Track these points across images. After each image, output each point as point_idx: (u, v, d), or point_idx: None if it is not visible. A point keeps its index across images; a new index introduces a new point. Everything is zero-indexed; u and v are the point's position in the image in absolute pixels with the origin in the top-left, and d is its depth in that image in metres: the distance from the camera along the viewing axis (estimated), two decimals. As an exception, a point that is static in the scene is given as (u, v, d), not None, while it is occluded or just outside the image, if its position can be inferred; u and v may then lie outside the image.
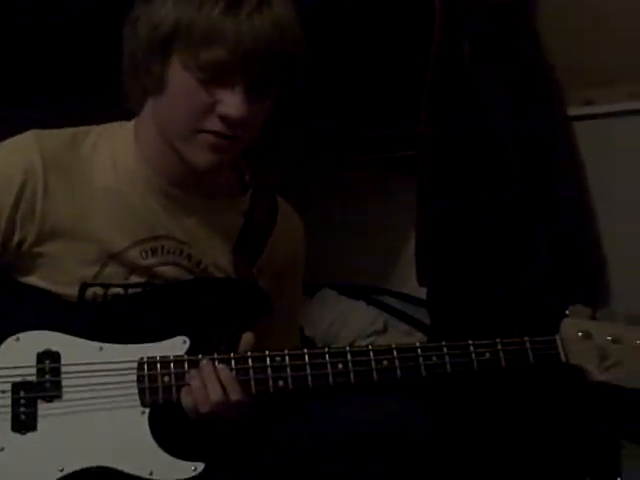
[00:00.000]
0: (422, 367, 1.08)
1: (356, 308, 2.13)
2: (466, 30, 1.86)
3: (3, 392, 1.04)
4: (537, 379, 1.51)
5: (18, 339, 1.07)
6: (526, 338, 1.11)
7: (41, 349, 1.06)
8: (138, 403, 1.05)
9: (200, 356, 1.07)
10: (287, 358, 1.07)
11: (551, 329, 1.14)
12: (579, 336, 1.11)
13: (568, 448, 1.70)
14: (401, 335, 2.03)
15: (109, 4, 1.35)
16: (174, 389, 1.05)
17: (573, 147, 1.99)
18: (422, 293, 1.94)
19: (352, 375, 1.07)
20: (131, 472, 1.03)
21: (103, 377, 1.06)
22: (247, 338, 1.09)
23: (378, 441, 1.04)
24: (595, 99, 1.97)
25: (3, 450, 1.02)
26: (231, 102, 1.03)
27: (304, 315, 1.98)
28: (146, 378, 1.05)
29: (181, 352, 1.08)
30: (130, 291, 1.12)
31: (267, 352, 1.07)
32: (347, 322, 2.07)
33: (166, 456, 1.04)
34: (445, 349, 1.10)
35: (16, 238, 1.09)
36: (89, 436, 1.04)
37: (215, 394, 1.03)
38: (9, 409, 1.03)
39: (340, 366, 1.07)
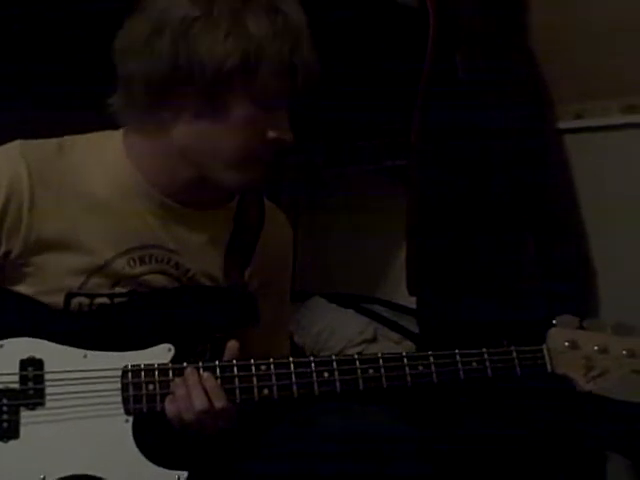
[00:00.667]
0: (408, 376, 1.08)
1: (346, 316, 2.12)
2: (458, 42, 1.87)
3: (-15, 399, 1.03)
4: (523, 388, 1.51)
5: (1, 346, 1.05)
6: (512, 347, 1.11)
7: (24, 356, 1.05)
8: (122, 411, 1.04)
9: (185, 364, 1.06)
10: (272, 367, 1.06)
11: (539, 339, 1.14)
12: (566, 346, 1.11)
13: (554, 459, 1.70)
14: (391, 344, 2.03)
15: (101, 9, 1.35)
16: (158, 397, 1.05)
17: (564, 160, 2.00)
18: (412, 302, 1.94)
19: (338, 384, 1.07)
20: (114, 481, 1.02)
21: (87, 385, 1.05)
22: (232, 346, 1.08)
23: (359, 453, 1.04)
24: (586, 112, 1.98)
25: (-15, 458, 1.01)
26: (281, 127, 1.07)
27: (294, 323, 1.98)
28: (130, 386, 1.05)
29: (166, 360, 1.07)
30: (116, 300, 1.11)
31: (252, 360, 1.07)
32: (337, 330, 2.07)
33: (150, 465, 1.03)
34: (431, 358, 1.09)
35: (1, 250, 1.08)
36: (72, 444, 1.03)
37: (199, 402, 1.03)
38: (-8, 416, 1.03)
39: (326, 375, 1.07)
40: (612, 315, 1.90)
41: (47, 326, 1.08)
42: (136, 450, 1.03)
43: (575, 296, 1.93)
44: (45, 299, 1.09)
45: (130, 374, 1.05)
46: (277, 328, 1.25)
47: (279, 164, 1.13)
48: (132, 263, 1.12)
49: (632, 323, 1.72)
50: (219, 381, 1.05)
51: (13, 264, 1.09)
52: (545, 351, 1.11)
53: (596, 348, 1.10)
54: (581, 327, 1.13)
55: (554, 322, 1.14)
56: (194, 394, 1.03)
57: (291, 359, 1.08)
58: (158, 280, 1.13)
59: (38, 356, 1.05)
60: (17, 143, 1.11)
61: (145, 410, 1.04)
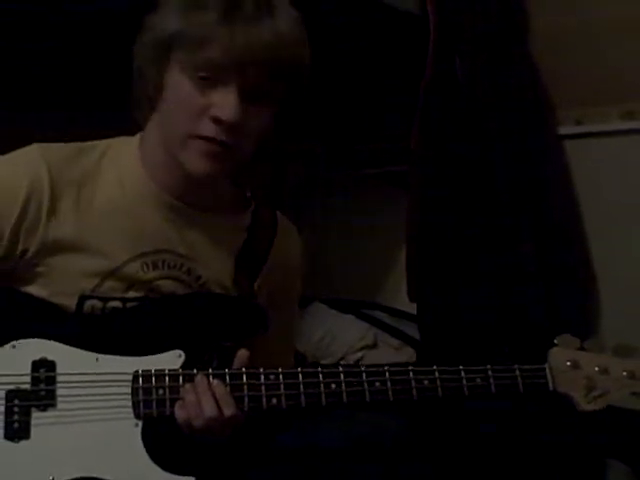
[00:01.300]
0: (414, 390, 1.10)
1: (346, 322, 2.14)
2: (459, 48, 1.89)
3: (-3, 399, 1.04)
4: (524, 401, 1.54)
5: (14, 346, 1.07)
6: (515, 366, 1.13)
7: (37, 357, 1.06)
8: (132, 415, 1.06)
9: (195, 371, 1.08)
10: (281, 376, 1.08)
11: (539, 349, 1.16)
12: (567, 365, 1.13)
13: (554, 466, 1.72)
14: (391, 350, 2.05)
15: (120, 14, 1.36)
16: (168, 403, 1.06)
17: (564, 166, 2.02)
18: (412, 308, 1.96)
19: (344, 395, 1.09)
20: (122, 484, 1.04)
21: (98, 388, 1.06)
22: (242, 354, 1.09)
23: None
24: (586, 119, 2.00)
25: (-5, 458, 1.03)
26: (224, 104, 1.05)
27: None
28: (140, 391, 1.06)
29: (176, 366, 1.08)
30: (128, 305, 1.12)
31: (262, 369, 1.08)
32: (337, 336, 2.08)
33: (158, 469, 1.05)
34: (437, 373, 1.11)
35: (19, 249, 1.10)
36: (82, 446, 1.04)
37: (209, 409, 1.04)
38: (2, 417, 1.04)
39: (333, 386, 1.09)
40: (611, 319, 1.93)
41: (60, 328, 1.09)
42: (145, 454, 1.05)
43: (575, 300, 1.96)
44: (58, 301, 1.11)
45: (141, 379, 1.07)
46: (283, 339, 1.27)
47: (250, 161, 1.13)
48: (145, 268, 1.13)
49: (632, 321, 1.74)
50: (228, 388, 1.06)
51: (27, 264, 1.11)
52: (547, 370, 1.13)
53: (597, 369, 1.13)
54: (582, 348, 1.15)
55: (555, 342, 1.16)
56: (204, 401, 1.04)
57: (300, 369, 1.09)
58: (169, 286, 1.15)
59: (50, 358, 1.07)
60: (36, 146, 1.13)
61: (155, 415, 1.06)
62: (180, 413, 1.05)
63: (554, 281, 1.94)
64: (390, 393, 1.09)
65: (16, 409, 1.04)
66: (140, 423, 1.06)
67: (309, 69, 1.11)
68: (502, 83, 1.95)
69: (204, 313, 1.14)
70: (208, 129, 1.06)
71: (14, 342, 1.07)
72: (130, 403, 1.06)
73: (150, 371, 1.07)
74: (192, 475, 1.05)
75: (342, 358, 2.03)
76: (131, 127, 1.17)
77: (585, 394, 1.11)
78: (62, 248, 1.10)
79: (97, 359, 1.08)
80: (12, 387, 1.05)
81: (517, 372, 1.13)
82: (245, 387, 1.07)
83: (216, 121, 1.05)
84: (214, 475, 1.10)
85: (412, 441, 1.12)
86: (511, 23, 1.99)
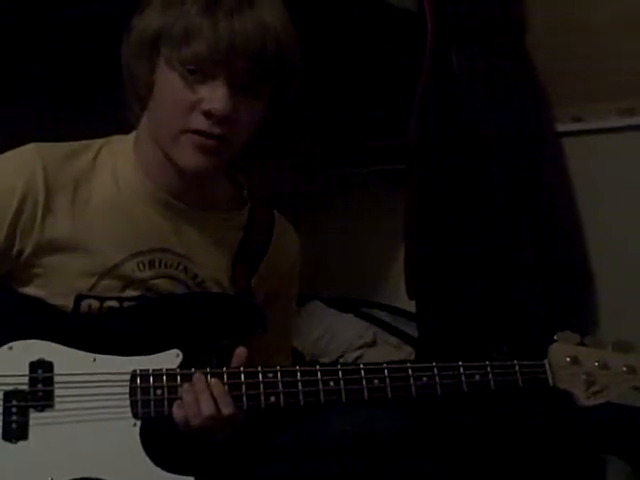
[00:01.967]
0: (412, 387, 1.10)
1: (345, 321, 2.13)
2: (457, 45, 1.89)
3: (-5, 400, 1.04)
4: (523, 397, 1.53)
5: (11, 348, 1.07)
6: (515, 361, 1.13)
7: (34, 358, 1.06)
8: (130, 415, 1.05)
9: (193, 370, 1.07)
10: (279, 374, 1.08)
11: (538, 345, 1.15)
12: (567, 361, 1.13)
13: (552, 462, 1.72)
14: (390, 348, 2.04)
15: (111, 14, 1.35)
16: (166, 402, 1.06)
17: (562, 163, 2.02)
18: (411, 306, 1.95)
19: (343, 393, 1.08)
20: (120, 484, 1.03)
21: (96, 388, 1.06)
22: (240, 353, 1.09)
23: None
24: (584, 115, 1.99)
25: (-7, 458, 1.02)
26: (213, 97, 1.05)
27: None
28: (138, 390, 1.06)
29: (174, 365, 1.08)
30: (125, 304, 1.12)
31: (260, 368, 1.08)
32: (336, 335, 2.08)
33: (156, 469, 1.04)
34: (435, 370, 1.11)
35: (15, 249, 1.10)
36: (80, 447, 1.04)
37: (207, 408, 1.04)
38: (0, 418, 1.03)
39: (331, 384, 1.08)
40: (610, 317, 1.93)
41: (57, 329, 1.09)
42: (143, 454, 1.04)
43: (573, 298, 1.96)
44: (55, 301, 1.10)
45: (138, 378, 1.06)
46: (281, 337, 1.26)
47: (240, 157, 1.13)
48: (141, 266, 1.13)
49: (631, 319, 1.74)
50: (227, 387, 1.06)
51: (24, 265, 1.10)
52: (547, 365, 1.13)
53: (597, 364, 1.12)
54: (582, 343, 1.15)
55: (555, 338, 1.15)
56: (202, 400, 1.04)
57: (298, 367, 1.09)
58: (166, 285, 1.14)
59: (48, 358, 1.06)
60: (33, 145, 1.12)
61: (153, 414, 1.06)
62: (178, 412, 1.05)
63: (552, 278, 1.94)
64: (389, 390, 1.09)
65: (14, 410, 1.04)
66: (138, 423, 1.05)
67: (300, 59, 1.11)
68: (500, 80, 1.95)
69: (202, 312, 1.14)
70: (200, 123, 1.06)
71: (11, 343, 1.07)
72: (128, 403, 1.06)
73: (148, 371, 1.07)
74: (191, 475, 1.05)
75: (341, 356, 2.03)
76: (126, 126, 1.17)
77: (585, 389, 1.11)
78: (58, 248, 1.10)
79: (94, 359, 1.08)
80: (10, 388, 1.04)
81: (517, 368, 1.12)
82: (243, 386, 1.07)
83: (207, 115, 1.05)
84: (213, 475, 1.10)
85: (411, 438, 1.11)
86: (509, 20, 1.99)
